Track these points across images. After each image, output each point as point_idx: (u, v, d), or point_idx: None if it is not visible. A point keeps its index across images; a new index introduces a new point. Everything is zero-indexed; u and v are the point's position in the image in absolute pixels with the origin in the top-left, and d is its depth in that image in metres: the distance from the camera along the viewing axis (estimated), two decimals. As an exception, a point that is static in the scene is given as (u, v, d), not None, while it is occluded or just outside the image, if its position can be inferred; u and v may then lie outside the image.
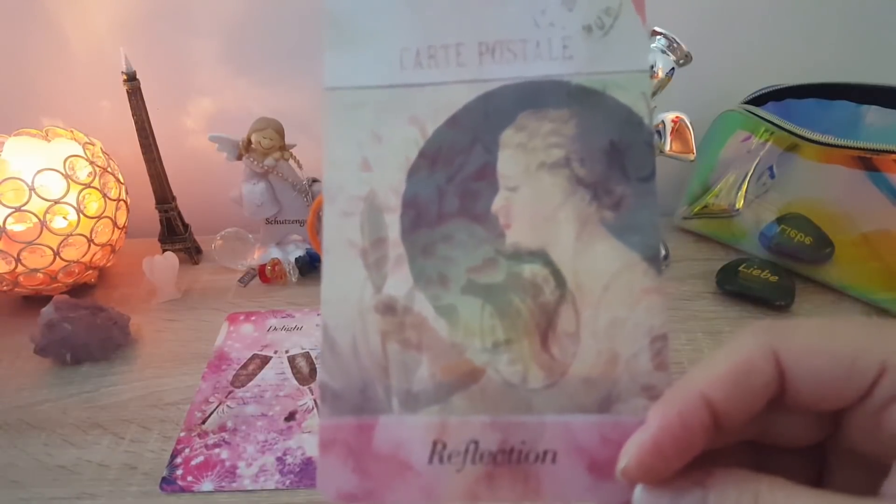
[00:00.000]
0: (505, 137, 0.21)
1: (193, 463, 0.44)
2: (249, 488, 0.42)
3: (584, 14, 0.21)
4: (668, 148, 0.54)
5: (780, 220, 0.58)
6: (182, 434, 0.46)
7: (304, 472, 0.43)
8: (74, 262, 0.57)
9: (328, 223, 0.21)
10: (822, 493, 0.16)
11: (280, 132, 0.60)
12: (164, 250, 0.65)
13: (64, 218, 0.57)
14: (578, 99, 0.21)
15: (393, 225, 0.21)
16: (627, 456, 0.18)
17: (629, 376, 0.20)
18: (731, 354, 0.18)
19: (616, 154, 0.21)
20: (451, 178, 0.21)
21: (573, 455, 0.20)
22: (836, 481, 0.19)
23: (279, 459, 0.44)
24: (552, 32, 0.21)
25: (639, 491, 0.18)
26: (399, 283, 0.21)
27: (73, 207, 0.56)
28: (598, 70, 0.21)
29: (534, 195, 0.21)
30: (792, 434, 0.19)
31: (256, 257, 0.65)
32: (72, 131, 0.59)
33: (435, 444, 0.20)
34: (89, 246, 0.57)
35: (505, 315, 0.21)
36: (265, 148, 0.60)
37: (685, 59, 0.53)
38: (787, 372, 0.18)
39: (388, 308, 0.21)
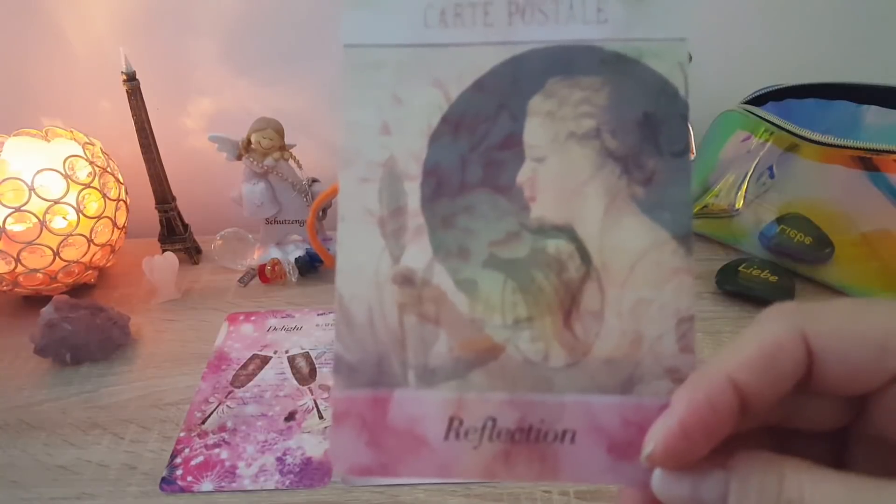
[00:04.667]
0: (533, 105, 0.20)
1: (193, 463, 0.44)
2: (249, 488, 0.42)
3: None
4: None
5: (779, 220, 0.58)
6: (182, 434, 0.46)
7: (304, 472, 0.43)
8: (74, 262, 0.57)
9: (344, 189, 0.20)
10: (847, 476, 0.16)
11: (280, 132, 0.60)
12: (163, 250, 0.65)
13: (64, 218, 0.57)
14: (612, 66, 0.20)
15: (413, 193, 0.20)
16: (654, 441, 0.18)
17: (653, 358, 0.20)
18: (758, 336, 0.18)
19: (649, 126, 0.20)
20: (475, 146, 0.20)
21: (593, 435, 0.19)
22: (857, 466, 0.19)
23: (279, 459, 0.44)
24: None
25: (658, 475, 0.18)
26: (418, 254, 0.20)
27: (73, 207, 0.56)
28: (633, 36, 0.20)
29: (561, 167, 0.20)
30: (816, 418, 0.19)
31: (256, 257, 0.65)
32: (71, 131, 0.59)
33: (451, 420, 0.20)
34: (89, 246, 0.57)
35: (527, 291, 0.20)
36: (265, 148, 0.60)
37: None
38: (816, 354, 0.17)
39: (406, 280, 0.20)
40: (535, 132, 0.20)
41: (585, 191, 0.20)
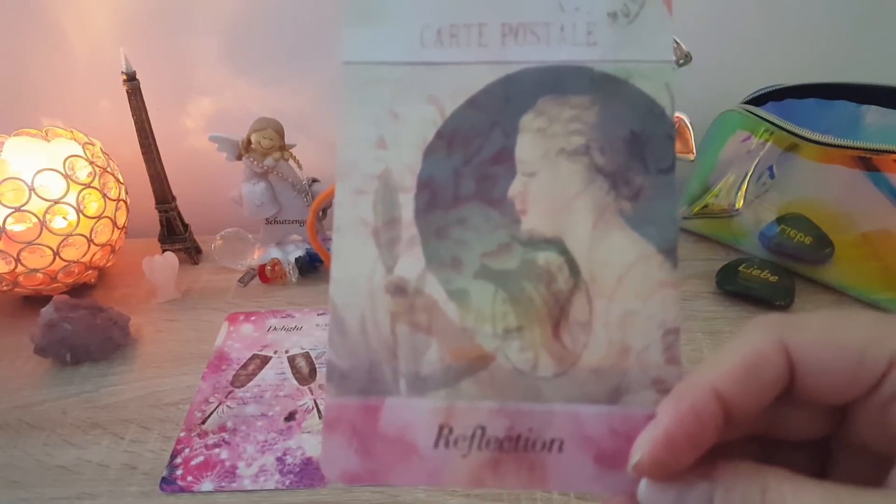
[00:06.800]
0: (524, 122, 0.21)
1: (193, 463, 0.44)
2: (249, 488, 0.42)
3: (611, 0, 0.21)
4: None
5: (780, 220, 0.58)
6: (182, 434, 0.46)
7: (304, 472, 0.43)
8: (74, 262, 0.57)
9: (340, 200, 0.21)
10: (828, 485, 0.16)
11: (280, 132, 0.60)
12: (163, 250, 0.65)
13: (64, 218, 0.57)
14: (601, 86, 0.21)
15: (407, 205, 0.21)
16: (640, 451, 0.18)
17: (640, 369, 0.20)
18: (740, 348, 0.18)
19: (636, 144, 0.21)
20: (468, 160, 0.21)
21: (580, 444, 0.20)
22: (840, 474, 0.19)
23: (279, 459, 0.44)
24: (577, 17, 0.21)
25: (644, 484, 0.18)
26: (411, 264, 0.21)
27: (73, 207, 0.56)
28: (622, 58, 0.21)
29: (551, 182, 0.21)
30: (799, 427, 0.19)
31: (256, 257, 0.65)
32: (72, 131, 0.59)
33: (441, 428, 0.20)
34: (89, 246, 0.57)
35: (517, 302, 0.21)
36: (265, 148, 0.60)
37: (685, 59, 0.53)
38: (797, 365, 0.18)
39: (399, 289, 0.21)
40: (526, 148, 0.21)
41: (575, 205, 0.21)
